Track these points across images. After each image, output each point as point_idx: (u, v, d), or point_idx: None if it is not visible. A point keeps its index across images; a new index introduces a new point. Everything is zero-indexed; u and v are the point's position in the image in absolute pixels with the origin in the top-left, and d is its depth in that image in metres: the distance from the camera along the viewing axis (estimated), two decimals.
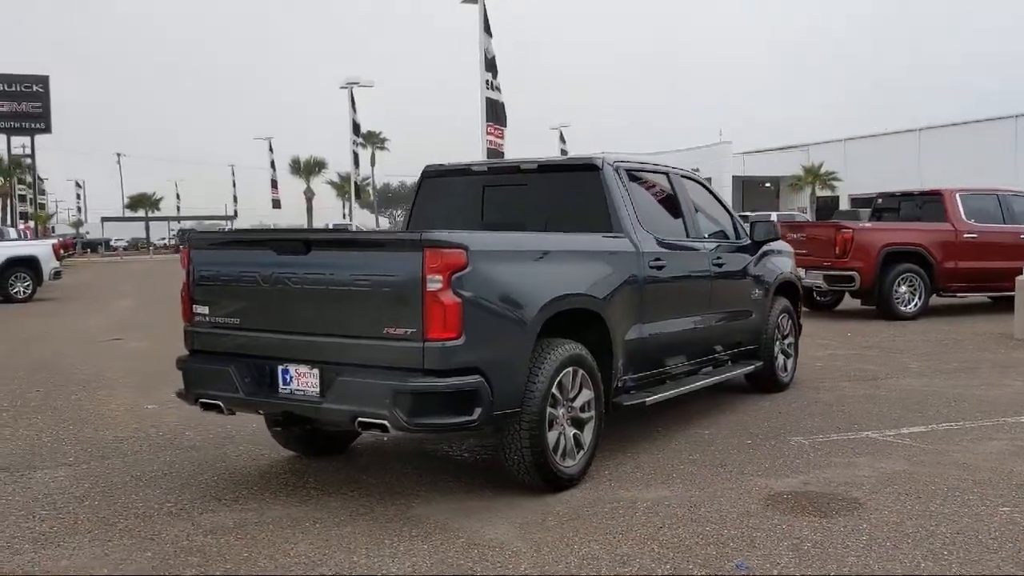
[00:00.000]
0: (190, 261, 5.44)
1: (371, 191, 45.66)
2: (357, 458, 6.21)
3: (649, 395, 6.17)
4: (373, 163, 78.49)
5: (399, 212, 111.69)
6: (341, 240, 5.10)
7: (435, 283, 4.59)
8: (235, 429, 7.02)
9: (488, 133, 29.12)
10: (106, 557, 4.43)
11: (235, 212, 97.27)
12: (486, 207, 6.70)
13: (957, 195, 14.52)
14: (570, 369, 5.31)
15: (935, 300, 14.60)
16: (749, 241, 7.81)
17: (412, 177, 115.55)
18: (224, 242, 5.53)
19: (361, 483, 5.59)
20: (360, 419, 4.73)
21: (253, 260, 5.16)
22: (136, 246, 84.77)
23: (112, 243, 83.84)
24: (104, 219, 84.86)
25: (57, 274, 22.60)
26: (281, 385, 5.12)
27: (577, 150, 61.90)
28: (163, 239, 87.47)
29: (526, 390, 5.02)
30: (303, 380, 5.03)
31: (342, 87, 46.29)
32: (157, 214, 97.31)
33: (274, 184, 71.94)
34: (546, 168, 6.48)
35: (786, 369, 8.40)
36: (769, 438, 6.57)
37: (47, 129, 60.45)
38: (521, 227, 6.22)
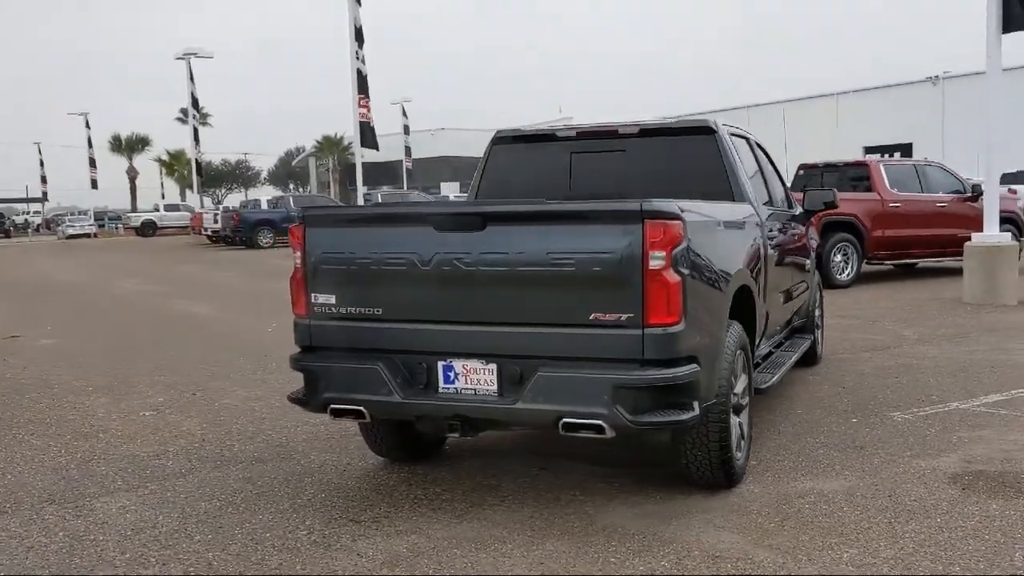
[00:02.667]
0: (305, 242, 4.57)
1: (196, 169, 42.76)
2: (461, 461, 5.49)
3: (769, 376, 5.76)
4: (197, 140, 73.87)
5: (223, 191, 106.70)
6: (530, 213, 4.34)
7: (658, 260, 3.98)
8: (284, 437, 6.15)
9: (359, 106, 28.07)
10: None
11: (44, 194, 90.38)
12: (574, 176, 6.07)
13: (881, 166, 14.90)
14: (740, 352, 4.83)
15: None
16: (802, 210, 7.51)
17: (235, 155, 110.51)
18: (360, 219, 4.65)
19: (504, 491, 4.90)
20: (566, 420, 4.07)
21: (405, 239, 4.37)
22: None
23: None
24: None
25: None
26: (442, 384, 4.37)
27: (417, 125, 61.13)
28: None
29: (721, 377, 4.50)
30: (474, 377, 4.30)
31: (178, 58, 43.60)
32: None
33: (92, 163, 67.00)
34: (651, 132, 5.91)
35: (819, 341, 8.20)
36: (867, 415, 6.30)
37: None
38: (622, 197, 5.65)
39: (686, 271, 4.07)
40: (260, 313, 13.43)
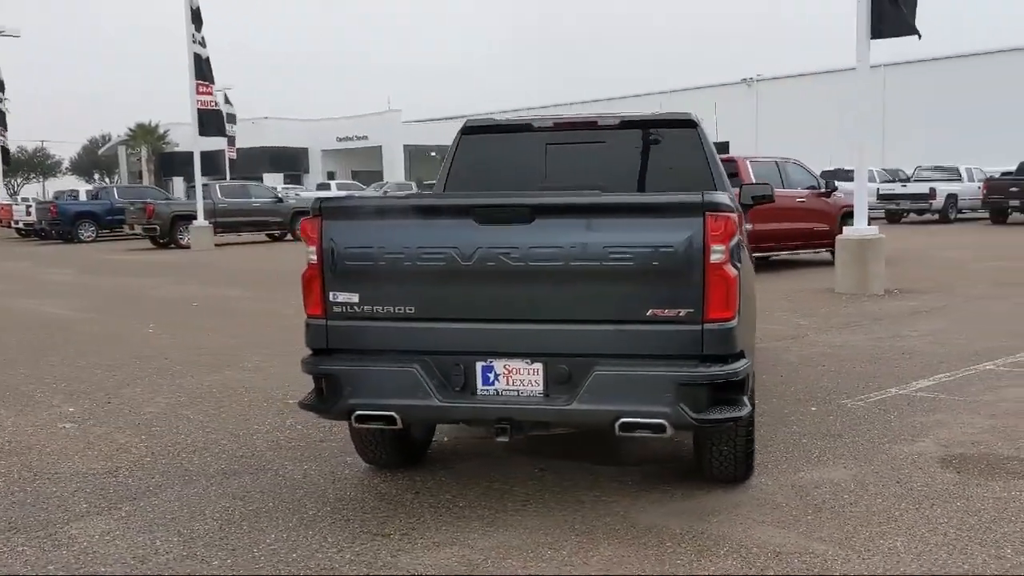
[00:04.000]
0: (323, 236, 4.20)
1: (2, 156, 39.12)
2: (452, 464, 5.24)
3: None
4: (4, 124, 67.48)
5: (19, 181, 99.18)
6: (583, 205, 4.16)
7: (718, 254, 3.91)
8: (242, 446, 5.72)
9: (198, 92, 26.81)
10: None
11: None
12: (550, 167, 5.92)
13: (748, 162, 15.51)
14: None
15: None
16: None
17: (31, 143, 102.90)
18: (390, 210, 4.30)
19: (519, 495, 4.71)
20: (624, 420, 3.93)
21: (443, 232, 4.09)
22: None
23: None
24: None
25: None
26: (480, 386, 4.13)
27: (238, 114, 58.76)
28: None
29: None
30: (517, 377, 4.09)
31: None
32: None
33: None
34: (632, 124, 5.83)
35: None
36: (821, 403, 6.49)
37: None
38: (602, 190, 5.57)
39: (739, 265, 4.03)
40: (127, 312, 12.53)
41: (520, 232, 4.00)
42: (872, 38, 12.16)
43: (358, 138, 68.20)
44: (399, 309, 4.16)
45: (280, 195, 30.83)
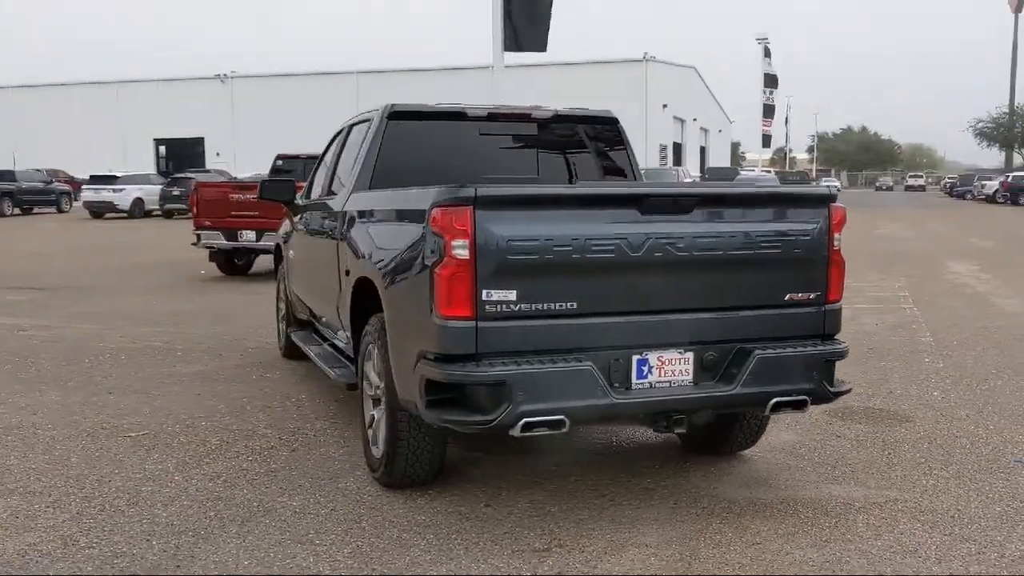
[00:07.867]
0: (476, 228, 3.72)
1: None
2: (459, 477, 4.87)
3: None
4: None
5: None
6: (742, 196, 4.14)
7: (838, 241, 4.34)
8: (179, 492, 4.69)
9: None
10: None
11: None
12: (485, 157, 5.72)
13: None
14: None
15: None
16: None
17: None
18: (555, 200, 3.80)
19: (584, 494, 4.61)
20: (777, 399, 4.14)
21: (610, 223, 3.88)
22: None
23: None
24: None
25: None
26: (635, 380, 4.02)
27: None
28: None
29: None
30: (669, 368, 4.06)
31: None
32: None
33: None
34: (563, 119, 5.86)
35: None
36: None
37: None
38: (538, 180, 5.68)
39: None
40: None
41: (684, 222, 3.99)
42: (506, 50, 13.25)
43: None
44: (561, 305, 3.86)
45: None
